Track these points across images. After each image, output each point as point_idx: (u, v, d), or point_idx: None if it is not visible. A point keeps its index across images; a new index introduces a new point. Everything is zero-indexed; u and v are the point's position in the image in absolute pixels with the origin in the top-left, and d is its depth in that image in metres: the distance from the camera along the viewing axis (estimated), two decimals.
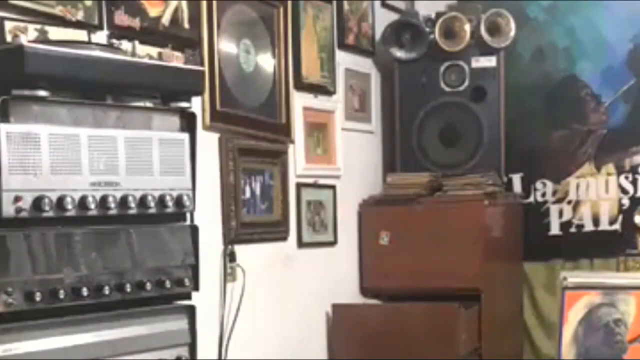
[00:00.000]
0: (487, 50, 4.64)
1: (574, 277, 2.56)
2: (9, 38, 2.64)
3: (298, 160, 4.11)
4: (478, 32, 4.61)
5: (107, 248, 2.51)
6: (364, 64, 4.74)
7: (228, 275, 3.59)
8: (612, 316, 2.49)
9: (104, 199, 2.47)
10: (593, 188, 4.86)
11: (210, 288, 3.41)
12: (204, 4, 3.52)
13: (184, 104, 2.74)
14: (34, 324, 2.33)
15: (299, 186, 4.12)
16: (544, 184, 4.94)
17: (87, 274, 2.44)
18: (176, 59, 3.25)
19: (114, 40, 2.88)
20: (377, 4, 4.86)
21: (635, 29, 4.78)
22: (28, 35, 2.65)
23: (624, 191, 4.80)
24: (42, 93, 2.34)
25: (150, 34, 3.22)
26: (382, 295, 4.63)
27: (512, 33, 4.63)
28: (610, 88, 4.84)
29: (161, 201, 2.62)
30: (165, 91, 2.70)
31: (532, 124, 4.95)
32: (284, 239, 4.02)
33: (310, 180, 4.21)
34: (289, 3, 4.04)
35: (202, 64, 3.43)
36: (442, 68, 4.68)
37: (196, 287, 2.77)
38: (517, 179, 4.95)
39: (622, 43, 4.80)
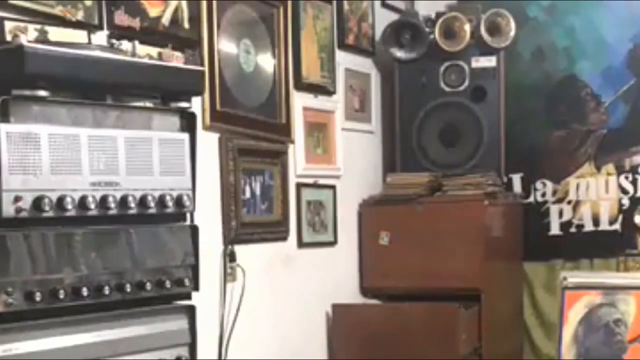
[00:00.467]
0: (487, 50, 4.64)
1: (574, 277, 2.55)
2: (9, 38, 2.64)
3: (298, 160, 4.11)
4: (478, 32, 4.61)
5: (107, 248, 2.51)
6: (364, 64, 4.74)
7: (228, 275, 3.59)
8: (612, 316, 2.49)
9: (104, 199, 2.47)
10: (593, 188, 4.86)
11: (210, 288, 3.41)
12: (204, 4, 3.52)
13: (184, 104, 2.74)
14: (34, 324, 2.33)
15: (299, 186, 4.12)
16: (544, 184, 4.94)
17: (87, 274, 2.44)
18: (176, 59, 3.24)
19: (114, 40, 2.88)
20: (377, 4, 4.86)
21: (635, 29, 4.78)
22: (28, 35, 2.65)
23: (624, 191, 4.80)
24: (42, 93, 2.34)
25: (150, 34, 3.22)
26: (382, 295, 4.63)
27: (512, 33, 4.63)
28: (610, 88, 4.84)
29: (161, 201, 2.62)
30: (165, 91, 2.71)
31: (532, 124, 4.95)
32: (284, 239, 4.02)
33: (310, 180, 4.21)
34: (289, 3, 4.04)
35: (202, 64, 3.43)
36: (442, 68, 4.68)
37: (196, 287, 2.77)
38: (517, 179, 4.95)
39: (622, 43, 4.80)
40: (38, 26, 2.77)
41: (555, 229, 4.92)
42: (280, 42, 3.98)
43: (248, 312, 3.64)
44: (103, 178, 2.48)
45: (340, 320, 4.29)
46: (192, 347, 2.76)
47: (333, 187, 4.39)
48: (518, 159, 4.87)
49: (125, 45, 2.77)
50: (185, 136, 2.74)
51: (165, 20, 3.31)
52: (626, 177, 4.80)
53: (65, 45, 2.46)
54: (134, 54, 2.68)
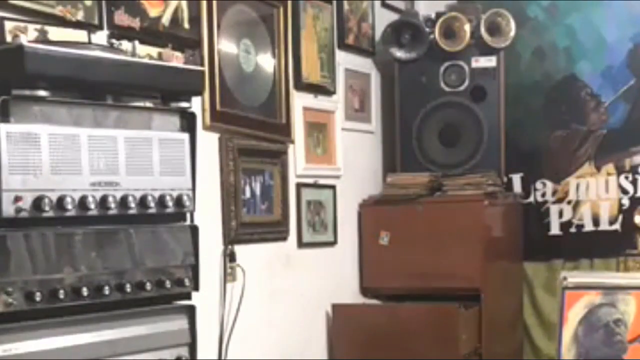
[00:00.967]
0: (487, 50, 4.63)
1: (574, 277, 2.56)
2: (9, 38, 2.64)
3: (298, 160, 4.11)
4: (478, 32, 4.61)
5: (107, 248, 2.51)
6: (364, 64, 4.74)
7: (228, 275, 3.59)
8: (612, 316, 2.49)
9: (104, 199, 2.47)
10: (593, 188, 4.85)
11: (210, 288, 3.41)
12: (204, 4, 3.52)
13: (184, 104, 2.74)
14: (34, 324, 2.33)
15: (299, 186, 4.12)
16: (544, 184, 4.94)
17: (87, 274, 2.44)
18: (176, 59, 3.25)
19: (114, 40, 2.88)
20: (377, 4, 4.86)
21: (635, 29, 4.77)
22: (28, 35, 2.65)
23: (624, 191, 4.80)
24: (42, 93, 2.35)
25: (150, 34, 3.22)
26: (382, 295, 4.63)
27: (512, 33, 4.63)
28: (610, 88, 4.84)
29: (161, 201, 2.62)
30: (165, 91, 2.71)
31: (532, 124, 4.94)
32: (284, 239, 4.02)
33: (310, 180, 4.21)
34: (289, 3, 4.04)
35: (202, 64, 3.44)
36: (442, 68, 4.68)
37: (196, 287, 2.77)
38: (517, 179, 4.95)
39: (622, 43, 4.80)
40: (38, 26, 2.77)
41: (555, 229, 4.92)
42: (280, 42, 3.98)
43: (248, 312, 3.64)
44: (103, 178, 2.48)
45: (340, 320, 4.28)
46: (192, 347, 2.76)
47: (333, 187, 4.39)
48: (518, 159, 4.87)
49: (125, 45, 2.77)
50: (185, 136, 2.74)
51: (165, 20, 3.31)
52: (626, 177, 4.80)
53: (65, 45, 2.46)
54: (134, 54, 2.68)
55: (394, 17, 4.85)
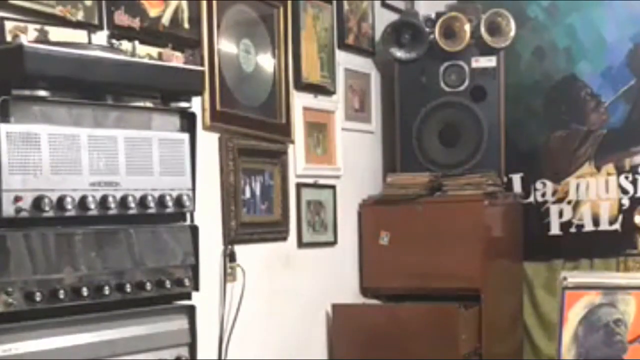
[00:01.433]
0: (487, 50, 4.64)
1: (574, 277, 2.55)
2: (9, 38, 2.64)
3: (298, 160, 4.11)
4: (478, 32, 4.61)
5: (107, 248, 2.51)
6: (364, 64, 4.74)
7: (228, 275, 3.59)
8: (612, 316, 2.49)
9: (104, 199, 2.47)
10: (593, 188, 4.85)
11: (210, 288, 3.41)
12: (204, 4, 3.52)
13: (184, 104, 2.74)
14: (34, 324, 2.33)
15: (299, 186, 4.12)
16: (544, 184, 4.94)
17: (87, 274, 2.44)
18: (176, 59, 3.25)
19: (114, 40, 2.88)
20: (377, 4, 4.86)
21: (635, 29, 4.77)
22: (28, 35, 2.65)
23: (624, 191, 4.80)
24: (42, 93, 2.35)
25: (150, 34, 3.22)
26: (382, 295, 4.63)
27: (512, 33, 4.63)
28: (610, 88, 4.84)
29: (161, 201, 2.62)
30: (165, 91, 2.71)
31: (532, 124, 4.94)
32: (284, 239, 4.02)
33: (310, 180, 4.21)
34: (289, 3, 4.04)
35: (202, 64, 3.44)
36: (442, 68, 4.68)
37: (196, 287, 2.77)
38: (517, 179, 4.95)
39: (622, 43, 4.80)
40: (38, 26, 2.77)
41: (555, 229, 4.91)
42: (280, 42, 3.98)
43: (248, 312, 3.64)
44: (103, 178, 2.48)
45: (340, 320, 4.28)
46: (192, 347, 2.76)
47: (333, 187, 4.39)
48: (518, 159, 4.87)
49: (125, 45, 2.77)
50: (185, 136, 2.74)
51: (165, 20, 3.31)
52: (626, 177, 4.80)
53: (65, 45, 2.46)
54: (134, 54, 2.68)
55: (394, 17, 4.85)
